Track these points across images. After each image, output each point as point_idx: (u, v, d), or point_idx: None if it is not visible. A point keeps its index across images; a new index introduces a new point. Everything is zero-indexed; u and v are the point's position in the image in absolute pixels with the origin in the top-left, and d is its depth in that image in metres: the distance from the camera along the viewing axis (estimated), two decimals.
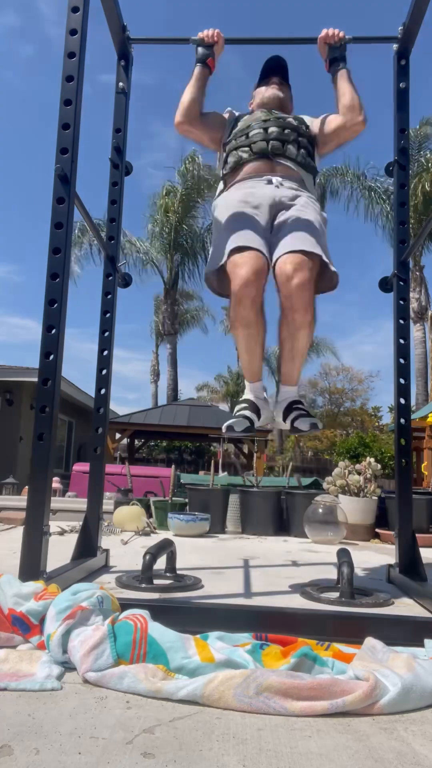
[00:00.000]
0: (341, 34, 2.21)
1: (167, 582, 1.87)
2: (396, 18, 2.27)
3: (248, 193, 2.03)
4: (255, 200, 2.01)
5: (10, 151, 47.31)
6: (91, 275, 17.56)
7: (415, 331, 16.69)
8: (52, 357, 1.60)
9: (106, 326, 2.27)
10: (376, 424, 24.82)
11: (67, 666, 1.13)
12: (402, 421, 2.10)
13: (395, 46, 2.27)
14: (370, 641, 1.18)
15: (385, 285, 2.22)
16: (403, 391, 2.11)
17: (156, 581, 1.81)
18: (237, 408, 2.03)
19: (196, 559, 2.50)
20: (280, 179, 2.05)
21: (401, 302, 2.17)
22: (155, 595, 1.69)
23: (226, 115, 2.30)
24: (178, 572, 1.98)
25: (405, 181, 2.26)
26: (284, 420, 2.00)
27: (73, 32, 1.76)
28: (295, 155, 2.09)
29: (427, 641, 1.29)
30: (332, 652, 1.16)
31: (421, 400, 15.74)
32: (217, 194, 2.24)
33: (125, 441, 14.32)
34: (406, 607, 1.70)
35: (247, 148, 2.10)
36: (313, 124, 2.24)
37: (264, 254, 1.88)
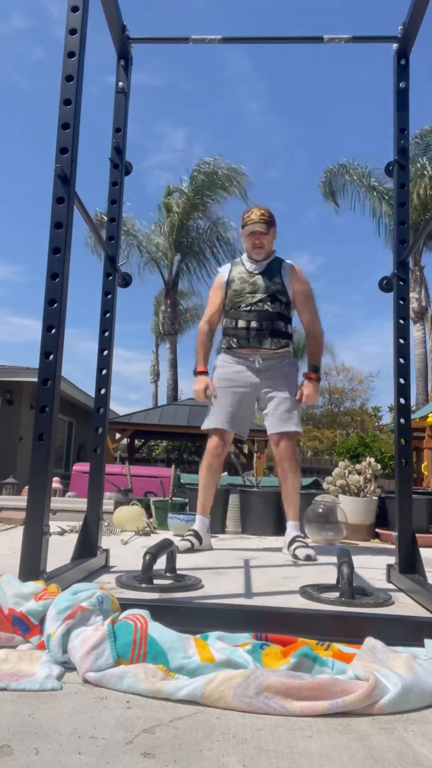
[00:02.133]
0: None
1: (167, 582, 1.87)
2: (396, 18, 2.27)
3: (236, 377, 2.91)
4: (241, 381, 2.89)
5: (11, 151, 47.25)
6: (91, 275, 17.54)
7: (415, 331, 16.69)
8: (52, 357, 1.60)
9: (106, 326, 2.27)
10: (376, 424, 24.79)
11: (67, 666, 1.13)
12: (402, 421, 2.10)
13: (395, 45, 2.27)
14: (370, 641, 1.18)
15: (384, 285, 2.22)
16: (403, 391, 2.11)
17: (156, 581, 1.81)
18: (185, 534, 2.81)
19: (196, 559, 2.50)
20: (260, 359, 2.88)
21: (401, 302, 2.17)
22: (155, 595, 1.69)
23: (219, 279, 3.01)
24: (178, 572, 1.98)
25: (405, 180, 2.25)
26: (288, 548, 2.70)
27: (72, 32, 1.76)
28: (270, 346, 2.86)
29: (427, 641, 1.29)
30: (332, 652, 1.16)
31: (421, 400, 15.75)
32: (218, 356, 3.03)
33: (125, 441, 14.32)
34: (406, 607, 1.70)
35: (235, 339, 2.90)
36: (291, 293, 2.92)
37: (228, 430, 2.88)
